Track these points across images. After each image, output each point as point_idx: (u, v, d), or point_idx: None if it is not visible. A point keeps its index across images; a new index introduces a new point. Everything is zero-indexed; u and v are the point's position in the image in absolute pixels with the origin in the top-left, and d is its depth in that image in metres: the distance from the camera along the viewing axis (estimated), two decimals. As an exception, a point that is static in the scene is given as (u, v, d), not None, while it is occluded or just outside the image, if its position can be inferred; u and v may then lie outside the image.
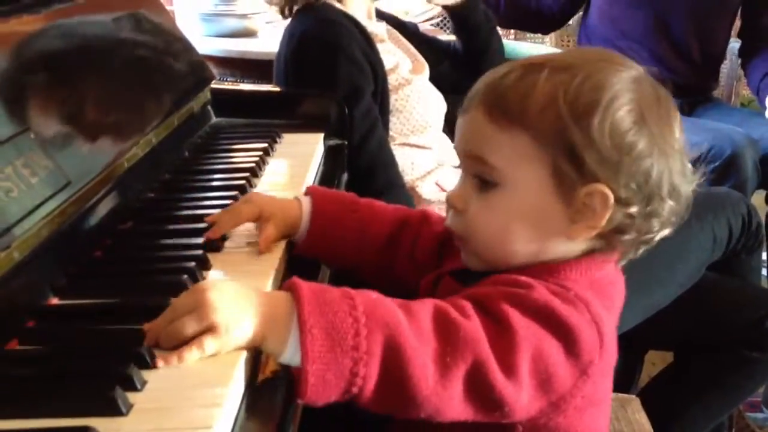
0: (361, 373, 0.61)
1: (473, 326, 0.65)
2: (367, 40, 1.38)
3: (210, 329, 0.61)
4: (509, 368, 0.65)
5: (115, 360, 0.60)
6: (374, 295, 0.65)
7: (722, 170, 1.77)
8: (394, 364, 0.62)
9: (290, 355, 0.62)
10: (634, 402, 1.14)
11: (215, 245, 0.84)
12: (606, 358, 0.72)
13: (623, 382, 1.49)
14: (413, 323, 0.63)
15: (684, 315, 1.33)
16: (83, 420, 0.54)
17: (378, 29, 1.51)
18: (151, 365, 0.61)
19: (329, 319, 0.61)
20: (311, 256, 0.91)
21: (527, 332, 0.66)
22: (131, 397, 0.57)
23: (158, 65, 1.16)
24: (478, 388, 0.65)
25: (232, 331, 0.61)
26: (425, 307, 0.65)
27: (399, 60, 1.50)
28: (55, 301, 0.72)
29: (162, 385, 0.59)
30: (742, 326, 1.34)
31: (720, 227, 1.36)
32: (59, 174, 0.77)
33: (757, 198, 2.06)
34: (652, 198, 0.73)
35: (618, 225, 0.73)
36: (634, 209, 0.72)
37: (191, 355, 0.61)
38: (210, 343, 0.61)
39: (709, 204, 1.37)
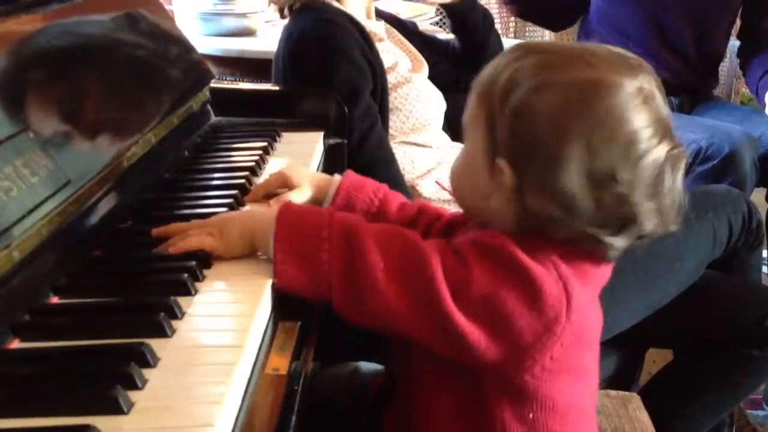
0: (324, 257, 0.72)
1: (429, 249, 0.73)
2: (365, 39, 1.38)
3: (209, 233, 0.79)
4: (459, 298, 0.71)
5: (116, 359, 0.60)
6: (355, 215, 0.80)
7: (720, 167, 1.77)
8: (353, 253, 0.73)
9: (271, 247, 0.75)
10: (635, 400, 1.14)
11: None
12: (578, 323, 0.74)
13: (624, 379, 1.49)
14: (377, 231, 0.75)
15: (684, 313, 1.33)
16: (84, 419, 0.54)
17: (377, 28, 1.50)
18: (152, 364, 0.61)
19: (300, 217, 0.76)
20: None
21: (485, 273, 0.72)
22: (132, 395, 0.57)
23: (157, 64, 1.16)
24: (431, 306, 0.71)
25: (226, 235, 0.79)
26: (391, 226, 0.79)
27: (398, 59, 1.50)
28: (55, 300, 0.72)
29: (163, 383, 0.60)
30: (742, 324, 1.34)
31: (720, 225, 1.35)
32: (59, 173, 0.77)
33: (757, 196, 2.06)
34: (564, 203, 0.71)
35: (533, 213, 0.73)
36: (536, 201, 0.72)
37: (190, 242, 0.79)
38: (207, 238, 0.79)
39: (708, 202, 1.37)
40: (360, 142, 1.33)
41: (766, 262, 1.98)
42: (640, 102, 0.71)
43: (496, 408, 0.76)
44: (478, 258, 0.73)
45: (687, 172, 2.01)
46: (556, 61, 0.73)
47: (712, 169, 1.77)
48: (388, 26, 1.58)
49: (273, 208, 0.81)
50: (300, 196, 0.97)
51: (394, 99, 1.44)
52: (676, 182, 0.73)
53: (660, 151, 0.71)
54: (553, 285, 0.72)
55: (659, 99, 0.73)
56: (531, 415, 0.77)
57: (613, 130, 0.70)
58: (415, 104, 1.46)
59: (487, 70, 0.77)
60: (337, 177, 0.99)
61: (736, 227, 1.37)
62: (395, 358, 0.87)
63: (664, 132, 0.72)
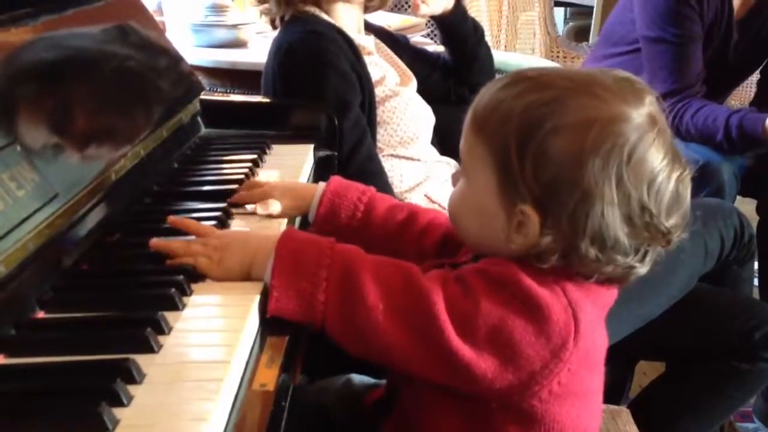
0: (320, 297, 0.71)
1: (432, 286, 0.72)
2: (354, 52, 1.38)
3: (208, 256, 0.78)
4: (466, 331, 0.70)
5: (102, 375, 0.60)
6: (354, 246, 0.76)
7: (697, 177, 1.77)
8: (351, 293, 0.71)
9: (268, 279, 0.74)
10: (624, 413, 1.14)
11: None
12: (585, 348, 0.73)
13: (613, 392, 1.49)
14: (377, 267, 0.73)
15: (675, 325, 1.33)
16: (69, 436, 0.54)
17: (366, 42, 1.51)
18: (138, 380, 0.60)
19: (300, 248, 0.75)
20: (325, 232, 0.96)
21: (493, 304, 0.71)
22: (118, 412, 0.56)
23: (147, 76, 1.16)
24: (433, 343, 0.70)
25: (224, 262, 0.78)
26: (394, 261, 0.76)
27: (386, 72, 1.50)
28: (41, 314, 0.71)
29: (149, 400, 0.59)
30: (732, 337, 1.34)
31: (712, 239, 1.36)
32: (46, 187, 0.77)
33: (747, 207, 2.07)
34: (584, 238, 0.71)
35: (545, 249, 0.73)
36: (560, 239, 0.72)
37: (186, 259, 0.78)
38: (204, 262, 0.78)
39: (700, 215, 1.38)
40: (350, 154, 1.33)
41: (756, 275, 1.98)
42: (654, 133, 0.72)
43: (502, 431, 0.76)
44: (486, 288, 0.72)
45: None
46: (565, 98, 0.72)
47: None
48: (377, 40, 1.59)
49: (273, 234, 0.78)
50: (278, 207, 0.97)
51: (382, 112, 1.45)
52: (687, 199, 0.76)
53: (675, 175, 0.74)
54: (561, 312, 0.72)
55: (663, 119, 0.75)
56: None
57: (638, 166, 0.71)
58: (403, 117, 1.46)
59: (487, 102, 0.75)
60: (320, 185, 0.99)
61: (727, 241, 1.38)
62: (396, 380, 0.86)
63: (674, 156, 0.74)
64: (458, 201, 0.81)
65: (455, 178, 0.83)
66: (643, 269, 0.75)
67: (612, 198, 0.70)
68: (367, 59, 1.43)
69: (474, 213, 0.78)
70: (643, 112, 0.72)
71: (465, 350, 0.70)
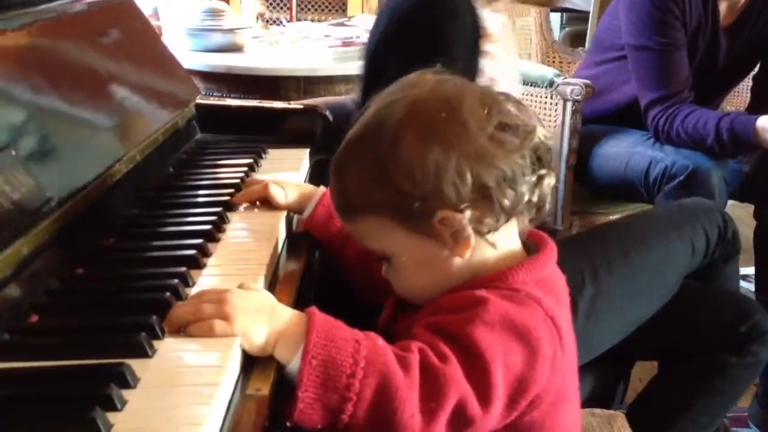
0: (348, 412, 0.66)
1: (452, 369, 0.68)
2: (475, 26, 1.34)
3: (224, 318, 0.68)
4: (486, 396, 0.69)
5: (96, 379, 0.60)
6: (380, 341, 0.69)
7: (686, 183, 1.78)
8: (383, 409, 0.66)
9: (294, 371, 0.67)
10: (619, 418, 1.14)
11: (198, 262, 0.83)
12: (568, 350, 0.75)
13: (606, 397, 1.49)
14: (406, 374, 0.67)
15: (662, 323, 1.33)
16: (62, 441, 0.53)
17: (492, 24, 1.44)
18: (132, 385, 0.60)
19: (331, 355, 0.66)
20: (315, 234, 1.01)
21: (494, 350, 0.69)
22: (112, 417, 0.56)
23: (142, 81, 1.16)
24: (459, 422, 0.69)
25: (249, 334, 0.68)
26: (414, 358, 0.68)
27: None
28: (35, 319, 0.71)
29: (143, 404, 0.59)
30: (718, 331, 1.34)
31: (697, 237, 1.36)
32: (41, 191, 0.77)
33: (740, 212, 2.08)
34: (486, 190, 0.74)
35: (481, 217, 0.75)
36: (476, 207, 0.74)
37: (199, 330, 0.68)
38: (221, 326, 0.67)
39: (684, 215, 1.39)
40: None
41: (750, 280, 1.99)
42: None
43: None
44: (482, 337, 0.70)
45: (657, 190, 1.99)
46: (369, 130, 0.77)
47: (679, 186, 1.79)
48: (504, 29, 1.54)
49: (300, 315, 0.70)
50: (286, 197, 1.00)
51: None
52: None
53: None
54: (544, 326, 0.72)
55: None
56: None
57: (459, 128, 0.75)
58: None
59: (342, 196, 0.80)
60: (322, 188, 1.02)
61: (712, 237, 1.38)
62: None
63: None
64: (406, 279, 0.80)
65: (383, 271, 0.83)
66: (534, 197, 0.77)
67: (472, 145, 0.73)
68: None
69: (422, 269, 0.78)
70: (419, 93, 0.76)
71: (484, 416, 0.69)
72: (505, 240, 0.78)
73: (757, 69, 2.07)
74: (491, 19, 1.45)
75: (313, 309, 0.70)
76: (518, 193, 0.75)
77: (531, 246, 0.81)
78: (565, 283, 0.81)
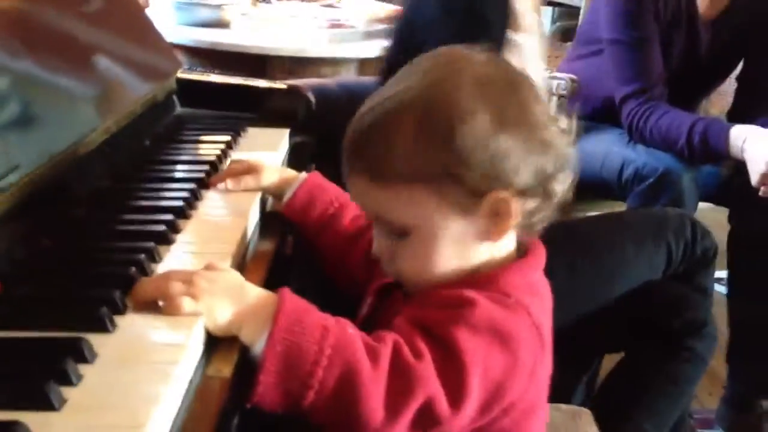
0: (309, 399, 0.64)
1: (424, 367, 0.67)
2: None
3: (190, 296, 0.66)
4: (458, 398, 0.67)
5: (51, 353, 0.58)
6: (351, 329, 0.68)
7: (656, 186, 1.76)
8: (345, 399, 0.65)
9: (257, 353, 0.65)
10: (585, 414, 1.14)
11: (167, 238, 0.82)
12: (547, 360, 0.75)
13: (562, 391, 1.46)
14: (374, 366, 0.65)
15: (611, 317, 1.32)
16: (14, 414, 0.52)
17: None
18: (89, 360, 0.59)
19: (297, 341, 0.65)
20: (293, 220, 0.98)
21: (475, 355, 0.68)
22: (66, 391, 0.55)
23: (121, 51, 1.14)
24: (425, 421, 0.67)
25: (214, 313, 0.66)
26: (386, 350, 0.67)
27: None
28: (-2, 288, 0.69)
29: (100, 380, 0.58)
30: (650, 326, 1.33)
31: (657, 254, 1.34)
32: (7, 157, 0.75)
33: (716, 216, 2.08)
34: (545, 178, 0.74)
35: (533, 207, 0.75)
36: (533, 196, 0.74)
37: (169, 309, 0.66)
38: (187, 303, 0.65)
39: (648, 229, 1.36)
40: None
41: (723, 284, 2.00)
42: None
43: None
44: (465, 339, 0.68)
45: (627, 192, 1.96)
46: (432, 97, 0.74)
47: (649, 188, 1.78)
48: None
49: (268, 297, 0.68)
50: (263, 180, 0.99)
51: None
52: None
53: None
54: (529, 335, 0.71)
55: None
56: None
57: (521, 92, 0.76)
58: None
59: (383, 161, 0.73)
60: (303, 174, 1.00)
61: (676, 255, 1.35)
62: None
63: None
64: (418, 258, 0.76)
65: (383, 250, 0.78)
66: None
67: (535, 130, 0.73)
68: None
69: (446, 249, 0.75)
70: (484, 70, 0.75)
71: (453, 417, 0.68)
72: (511, 238, 0.78)
73: (739, 69, 2.06)
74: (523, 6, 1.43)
75: (285, 290, 0.68)
76: (563, 187, 0.75)
77: (521, 246, 0.80)
78: (549, 289, 0.80)
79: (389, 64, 1.37)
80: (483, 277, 0.75)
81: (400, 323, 0.71)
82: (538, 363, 0.72)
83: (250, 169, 1.00)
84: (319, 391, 0.64)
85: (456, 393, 0.67)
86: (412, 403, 0.66)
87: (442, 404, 0.67)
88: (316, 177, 1.00)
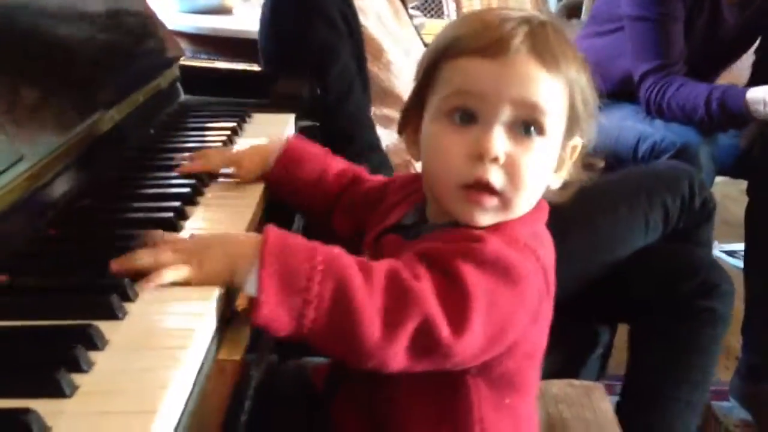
0: (310, 315, 0.65)
1: (422, 287, 0.67)
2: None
3: (184, 262, 0.68)
4: (460, 324, 0.67)
5: (62, 340, 0.58)
6: (336, 250, 0.69)
7: (674, 159, 1.77)
8: (342, 312, 0.66)
9: (252, 289, 0.66)
10: (598, 389, 1.14)
11: (174, 226, 0.82)
12: (550, 306, 0.76)
13: (572, 363, 1.43)
14: (367, 280, 0.67)
15: (616, 286, 1.30)
16: (25, 402, 0.52)
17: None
18: (100, 347, 0.59)
19: (287, 261, 0.66)
20: (279, 193, 0.98)
21: (480, 288, 0.68)
22: (77, 378, 0.55)
23: (124, 39, 1.13)
24: (425, 343, 0.67)
25: (206, 265, 0.68)
26: (381, 267, 0.69)
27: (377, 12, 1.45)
28: (3, 278, 0.70)
29: (111, 366, 0.58)
30: (660, 293, 1.29)
31: (653, 211, 1.32)
32: (11, 148, 0.75)
33: (729, 189, 2.07)
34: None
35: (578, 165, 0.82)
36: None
37: (165, 276, 0.67)
38: (184, 269, 0.67)
39: (642, 186, 1.34)
40: (337, 104, 1.30)
41: (739, 257, 1.99)
42: None
43: (474, 397, 0.75)
44: (472, 273, 0.69)
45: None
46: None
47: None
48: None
49: (254, 237, 0.70)
50: (245, 176, 0.97)
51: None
52: None
53: None
54: (537, 277, 0.72)
55: None
56: (507, 401, 0.77)
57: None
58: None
59: (560, 53, 0.76)
60: (276, 143, 0.99)
61: (673, 210, 1.33)
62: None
63: None
64: (540, 165, 0.76)
65: (503, 151, 0.73)
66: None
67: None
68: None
69: (549, 167, 0.78)
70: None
71: (457, 343, 0.67)
72: None
73: (757, 43, 2.05)
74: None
75: (269, 225, 0.70)
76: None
77: None
78: (552, 241, 0.80)
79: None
80: (492, 226, 0.75)
81: (405, 255, 0.72)
82: (543, 305, 0.73)
83: (230, 164, 0.98)
84: (318, 306, 0.65)
85: (457, 317, 0.67)
86: (408, 321, 0.66)
87: (443, 327, 0.67)
88: (297, 139, 1.01)
